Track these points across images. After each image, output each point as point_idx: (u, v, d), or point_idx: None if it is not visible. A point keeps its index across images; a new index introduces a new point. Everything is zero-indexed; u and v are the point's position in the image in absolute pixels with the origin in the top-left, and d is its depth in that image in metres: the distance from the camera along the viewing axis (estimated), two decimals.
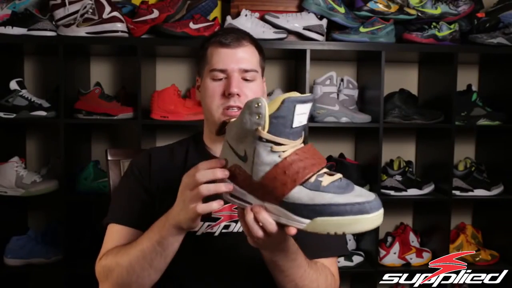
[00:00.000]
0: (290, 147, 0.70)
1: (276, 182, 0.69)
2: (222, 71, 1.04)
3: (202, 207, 0.78)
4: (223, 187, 0.77)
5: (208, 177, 0.77)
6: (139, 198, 1.06)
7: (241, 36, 1.07)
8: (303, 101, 0.69)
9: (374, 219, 0.66)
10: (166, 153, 1.13)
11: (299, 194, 0.68)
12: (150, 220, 0.99)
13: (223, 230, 1.02)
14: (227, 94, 1.02)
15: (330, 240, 1.05)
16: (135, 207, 1.05)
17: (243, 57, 1.05)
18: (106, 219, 1.07)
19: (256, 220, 0.73)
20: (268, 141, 0.70)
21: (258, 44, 1.12)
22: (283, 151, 0.69)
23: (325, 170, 0.73)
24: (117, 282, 0.93)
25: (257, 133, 0.69)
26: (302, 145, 0.73)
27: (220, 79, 1.04)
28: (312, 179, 0.69)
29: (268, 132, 0.69)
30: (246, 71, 1.05)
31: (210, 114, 1.06)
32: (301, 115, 0.70)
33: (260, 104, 0.68)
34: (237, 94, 1.02)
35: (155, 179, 1.07)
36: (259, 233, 0.74)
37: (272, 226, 0.72)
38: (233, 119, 0.77)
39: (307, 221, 0.67)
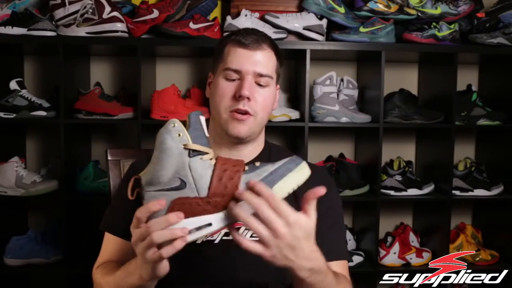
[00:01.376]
0: (212, 155, 0.76)
1: (224, 182, 0.73)
2: (237, 71, 1.01)
3: (167, 251, 0.72)
4: (179, 232, 0.71)
5: (160, 228, 0.72)
6: (133, 208, 1.04)
7: (262, 39, 1.04)
8: (201, 114, 0.79)
9: (306, 165, 0.77)
10: None
11: (247, 179, 0.74)
12: None
13: (224, 237, 1.01)
14: (237, 96, 1.00)
15: (339, 241, 1.05)
16: (130, 218, 1.03)
17: (260, 60, 1.02)
18: (102, 224, 1.07)
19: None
20: (196, 152, 0.74)
21: (278, 49, 1.08)
22: (210, 159, 0.75)
23: None
24: None
25: (186, 147, 0.74)
26: None
27: (233, 80, 1.02)
28: (247, 168, 0.76)
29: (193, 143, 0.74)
30: (261, 75, 1.02)
31: (217, 114, 1.04)
32: (205, 126, 0.78)
33: (175, 124, 0.74)
34: (247, 98, 1.00)
35: None
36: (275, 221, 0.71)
37: (253, 247, 0.72)
38: (141, 173, 0.77)
39: None
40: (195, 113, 0.78)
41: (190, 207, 0.73)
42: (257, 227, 0.71)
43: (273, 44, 1.07)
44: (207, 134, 0.78)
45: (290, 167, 0.75)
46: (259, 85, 1.02)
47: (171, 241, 0.71)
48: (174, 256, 0.74)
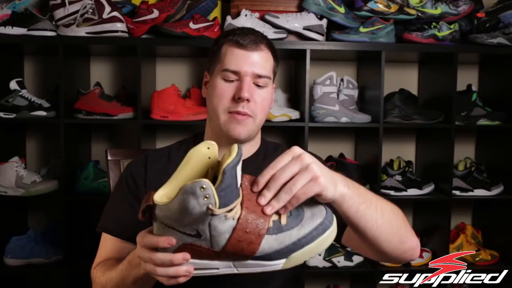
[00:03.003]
0: (238, 203, 0.67)
1: (242, 244, 0.67)
2: (235, 72, 1.00)
3: (169, 282, 0.72)
4: (183, 272, 0.70)
5: (164, 265, 0.70)
6: (131, 208, 1.04)
7: (259, 40, 1.03)
8: (239, 160, 0.67)
9: (335, 228, 0.70)
10: (163, 156, 1.10)
11: (267, 244, 0.68)
12: (141, 230, 0.99)
13: None
14: (236, 98, 0.99)
15: None
16: (127, 218, 1.03)
17: (258, 61, 1.01)
18: (99, 225, 1.07)
19: None
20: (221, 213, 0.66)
21: (274, 49, 1.08)
22: (236, 212, 0.67)
23: None
24: None
25: (209, 211, 0.64)
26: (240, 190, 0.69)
27: (232, 81, 1.01)
28: (271, 224, 0.68)
29: (220, 206, 0.64)
30: (259, 76, 1.01)
31: (215, 115, 1.03)
32: (239, 174, 0.68)
33: (205, 186, 0.63)
34: (247, 100, 0.99)
35: (150, 185, 1.05)
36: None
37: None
38: (158, 201, 0.67)
39: (282, 261, 0.69)
40: (232, 164, 0.64)
41: (200, 253, 0.69)
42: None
43: (270, 44, 1.07)
44: (239, 184, 0.68)
45: (315, 234, 0.68)
46: (258, 86, 1.02)
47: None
48: None
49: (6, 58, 2.02)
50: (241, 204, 0.67)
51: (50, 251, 1.93)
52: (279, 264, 0.69)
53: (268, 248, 0.68)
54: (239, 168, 0.67)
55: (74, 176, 1.96)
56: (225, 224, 0.66)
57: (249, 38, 1.02)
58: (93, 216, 2.09)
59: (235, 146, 0.68)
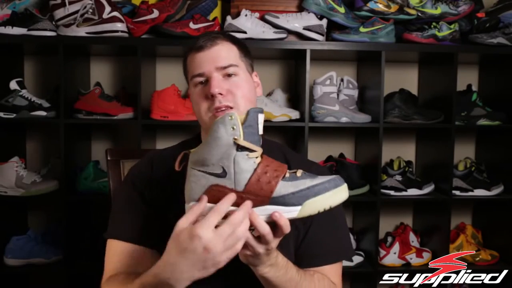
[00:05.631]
0: (259, 154, 0.79)
1: (261, 183, 0.76)
2: (201, 75, 1.02)
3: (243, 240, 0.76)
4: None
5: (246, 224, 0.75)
6: (140, 211, 1.03)
7: (214, 36, 1.04)
8: (261, 111, 0.80)
9: (346, 189, 0.79)
10: (167, 158, 1.08)
11: (284, 187, 0.76)
12: (151, 232, 0.98)
13: None
14: (210, 96, 1.00)
15: (331, 244, 1.04)
16: (135, 221, 1.01)
17: (218, 55, 1.02)
18: (109, 233, 1.04)
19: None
20: (244, 149, 0.77)
21: (235, 39, 1.09)
22: (256, 157, 0.78)
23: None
24: None
25: (236, 142, 0.76)
26: None
27: (202, 83, 1.03)
28: (287, 174, 0.79)
29: (244, 140, 0.77)
30: (224, 68, 1.01)
31: (201, 120, 1.05)
32: (261, 124, 0.80)
33: (233, 116, 0.77)
34: (220, 94, 0.99)
35: (157, 188, 1.04)
36: (251, 241, 0.76)
37: (265, 227, 0.75)
38: (191, 150, 0.81)
39: (298, 207, 0.76)
40: (255, 109, 0.79)
41: (224, 196, 0.76)
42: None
43: (228, 36, 1.08)
44: (260, 132, 0.80)
45: (328, 186, 0.77)
46: (229, 76, 1.02)
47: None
48: None
49: (6, 58, 2.02)
50: (261, 156, 0.79)
51: (50, 251, 1.93)
52: (295, 210, 0.76)
53: (284, 190, 0.76)
54: (261, 117, 0.79)
55: (74, 176, 1.96)
56: (247, 162, 0.77)
57: (203, 39, 1.03)
58: (93, 216, 2.10)
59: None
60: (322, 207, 0.76)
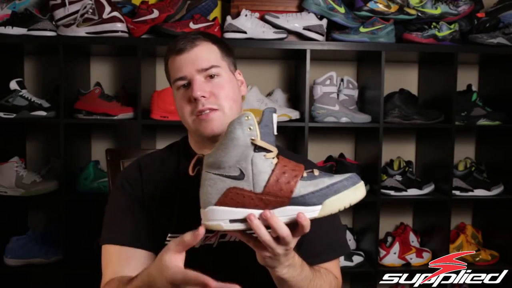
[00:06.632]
0: (275, 154, 0.78)
1: (280, 184, 0.75)
2: (182, 78, 1.00)
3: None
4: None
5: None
6: (132, 214, 1.02)
7: (193, 37, 1.02)
8: (275, 111, 0.79)
9: (363, 186, 0.79)
10: (156, 161, 1.09)
11: (303, 186, 0.75)
12: (146, 234, 0.98)
13: (220, 240, 1.01)
14: (193, 100, 0.99)
15: (331, 241, 1.06)
16: (128, 224, 1.01)
17: (199, 56, 1.00)
18: (104, 238, 1.04)
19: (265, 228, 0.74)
20: (261, 149, 0.76)
21: (216, 38, 1.06)
22: (273, 158, 0.77)
23: None
24: None
25: (253, 143, 0.75)
26: None
27: (184, 86, 1.01)
28: (305, 174, 0.78)
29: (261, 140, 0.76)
30: (205, 69, 0.99)
31: (186, 123, 1.04)
32: (275, 124, 0.79)
33: (249, 116, 0.76)
34: (203, 96, 0.98)
35: (147, 190, 1.04)
36: (271, 243, 0.75)
37: (284, 229, 0.74)
38: (207, 152, 0.79)
39: (319, 207, 0.75)
40: (269, 109, 0.78)
41: (242, 199, 0.75)
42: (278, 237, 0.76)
43: (208, 36, 1.06)
44: (275, 132, 0.79)
45: (346, 184, 0.76)
46: (211, 77, 1.01)
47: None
48: None
49: (6, 58, 2.02)
50: (277, 157, 0.78)
51: (50, 251, 1.93)
52: (315, 210, 0.75)
53: (304, 190, 0.75)
54: (275, 117, 0.78)
55: (74, 176, 1.96)
56: (265, 163, 0.75)
57: (182, 41, 1.01)
58: (93, 216, 2.10)
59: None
60: (342, 205, 0.76)
